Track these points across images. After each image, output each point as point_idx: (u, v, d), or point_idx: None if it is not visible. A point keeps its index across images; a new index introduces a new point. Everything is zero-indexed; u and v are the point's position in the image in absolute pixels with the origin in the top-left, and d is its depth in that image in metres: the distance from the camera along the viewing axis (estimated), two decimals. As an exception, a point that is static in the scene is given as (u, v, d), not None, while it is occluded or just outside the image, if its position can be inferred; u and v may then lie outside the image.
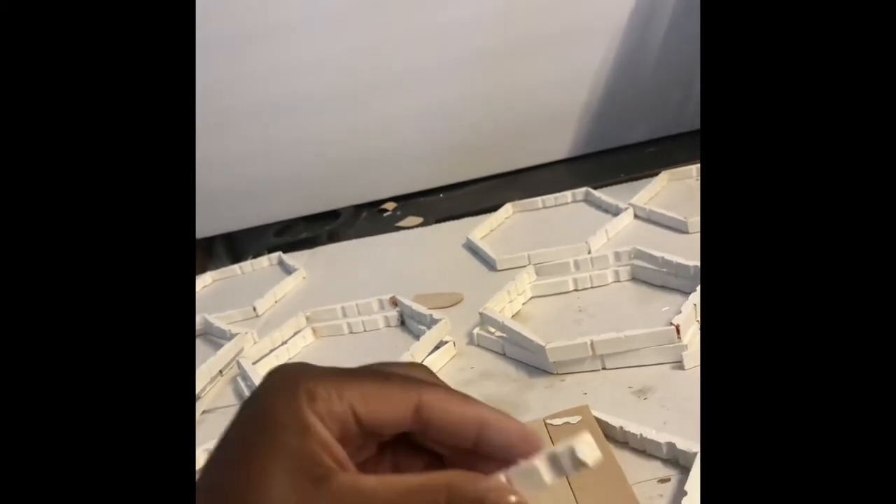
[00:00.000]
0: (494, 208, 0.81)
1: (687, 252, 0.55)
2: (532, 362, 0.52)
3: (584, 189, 0.79)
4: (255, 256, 0.91)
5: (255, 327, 0.70)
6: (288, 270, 0.83)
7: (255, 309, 0.74)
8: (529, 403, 0.48)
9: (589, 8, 0.90)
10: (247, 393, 0.58)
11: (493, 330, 0.56)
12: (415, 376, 0.25)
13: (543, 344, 0.49)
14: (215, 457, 0.23)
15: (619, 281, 0.60)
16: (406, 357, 0.53)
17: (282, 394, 0.23)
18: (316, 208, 1.03)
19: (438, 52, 0.93)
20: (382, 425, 0.24)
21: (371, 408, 0.23)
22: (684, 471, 0.38)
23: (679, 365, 0.47)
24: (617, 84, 0.94)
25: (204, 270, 0.90)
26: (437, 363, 0.55)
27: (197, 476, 0.24)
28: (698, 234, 0.61)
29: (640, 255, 0.59)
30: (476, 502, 0.22)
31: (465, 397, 0.25)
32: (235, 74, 0.95)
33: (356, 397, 0.23)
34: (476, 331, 0.57)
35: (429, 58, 0.94)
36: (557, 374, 0.50)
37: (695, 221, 0.63)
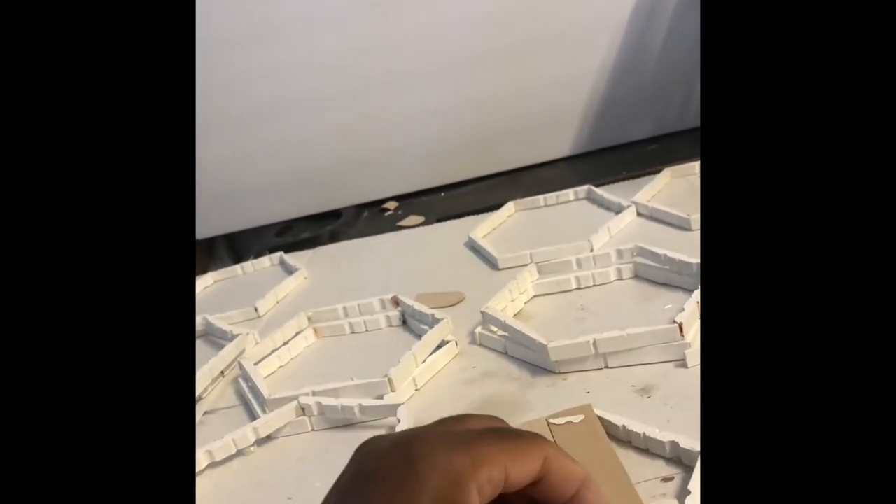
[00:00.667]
0: (496, 207, 0.81)
1: (690, 249, 0.55)
2: (534, 361, 0.51)
3: (586, 187, 0.79)
4: (256, 256, 0.91)
5: (256, 328, 0.70)
6: (289, 270, 0.82)
7: (256, 309, 0.73)
8: (532, 403, 0.47)
9: (590, 5, 0.90)
10: (248, 394, 0.58)
11: (495, 329, 0.56)
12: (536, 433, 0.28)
13: (546, 343, 0.49)
14: None
15: (621, 279, 0.59)
16: (408, 356, 0.53)
17: (443, 467, 0.24)
18: (317, 208, 1.03)
19: (439, 51, 0.93)
20: (523, 480, 0.26)
21: (518, 467, 0.25)
22: (688, 469, 0.38)
23: (682, 363, 0.47)
24: (619, 81, 0.93)
25: (205, 271, 0.89)
26: (439, 363, 0.55)
27: None
28: (701, 232, 0.61)
29: (642, 252, 0.59)
30: None
31: (571, 457, 0.28)
32: (235, 74, 0.95)
33: (506, 459, 0.25)
34: (478, 330, 0.57)
35: (430, 57, 0.93)
36: (560, 372, 0.50)
37: (697, 218, 0.63)
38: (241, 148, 1.00)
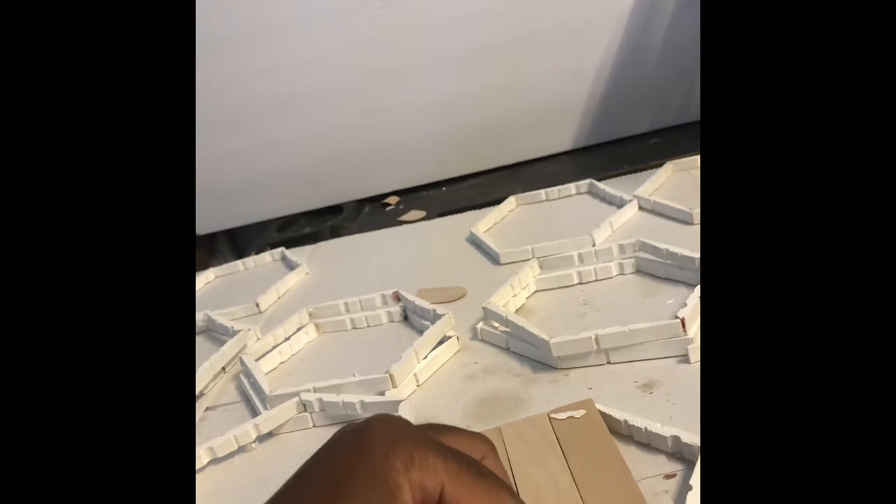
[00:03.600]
0: (498, 201, 0.81)
1: (692, 244, 0.55)
2: (536, 357, 0.51)
3: (587, 181, 0.78)
4: (257, 252, 0.91)
5: (257, 323, 0.70)
6: (290, 266, 0.82)
7: (257, 305, 0.73)
8: (533, 399, 0.47)
9: (591, -1, 0.90)
10: (250, 390, 0.58)
11: (496, 325, 0.55)
12: (497, 472, 0.27)
13: (547, 338, 0.49)
14: (304, 479, 0.25)
15: (623, 274, 0.59)
16: (409, 352, 0.53)
17: (383, 447, 0.24)
18: (318, 203, 1.03)
19: (440, 46, 0.93)
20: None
21: (458, 496, 0.24)
22: (690, 465, 0.38)
23: (685, 358, 0.46)
24: (620, 75, 0.93)
25: (206, 267, 0.89)
26: (441, 358, 0.55)
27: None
28: (703, 226, 0.61)
29: (644, 247, 0.59)
30: None
31: None
32: (236, 71, 0.95)
33: (450, 480, 0.24)
34: (479, 325, 0.56)
35: (431, 51, 0.93)
36: (562, 368, 0.50)
37: (699, 212, 0.63)
38: (242, 144, 1.00)
